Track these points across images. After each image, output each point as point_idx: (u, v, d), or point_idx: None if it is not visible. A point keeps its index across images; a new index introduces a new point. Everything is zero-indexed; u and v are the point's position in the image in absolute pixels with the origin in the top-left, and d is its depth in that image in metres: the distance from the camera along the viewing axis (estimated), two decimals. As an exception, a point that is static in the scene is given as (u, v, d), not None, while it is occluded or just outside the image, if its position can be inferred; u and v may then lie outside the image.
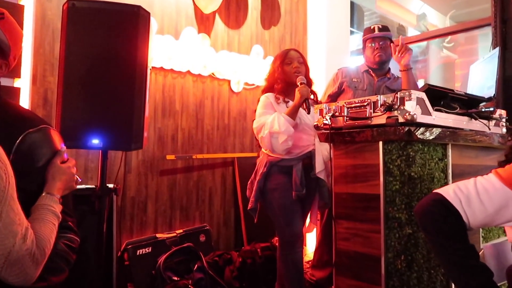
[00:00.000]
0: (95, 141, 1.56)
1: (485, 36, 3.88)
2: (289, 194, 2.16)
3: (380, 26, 2.69)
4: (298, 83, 2.15)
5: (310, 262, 3.01)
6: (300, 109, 2.19)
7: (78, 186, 2.32)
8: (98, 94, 1.55)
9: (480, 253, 1.34)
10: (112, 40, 1.53)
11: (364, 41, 2.73)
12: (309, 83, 2.31)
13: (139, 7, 1.58)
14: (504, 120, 2.03)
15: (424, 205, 1.07)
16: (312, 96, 2.32)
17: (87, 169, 2.51)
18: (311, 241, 3.51)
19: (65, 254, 1.03)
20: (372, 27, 2.70)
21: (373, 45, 2.65)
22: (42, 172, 1.03)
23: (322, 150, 2.18)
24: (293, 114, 2.12)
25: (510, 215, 0.99)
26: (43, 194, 1.01)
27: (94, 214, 1.95)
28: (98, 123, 1.56)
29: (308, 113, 2.12)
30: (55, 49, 2.33)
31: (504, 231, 2.04)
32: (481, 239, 1.85)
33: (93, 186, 2.09)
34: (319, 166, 2.15)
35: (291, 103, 2.20)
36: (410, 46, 2.65)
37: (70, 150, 2.04)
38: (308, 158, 2.21)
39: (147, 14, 1.61)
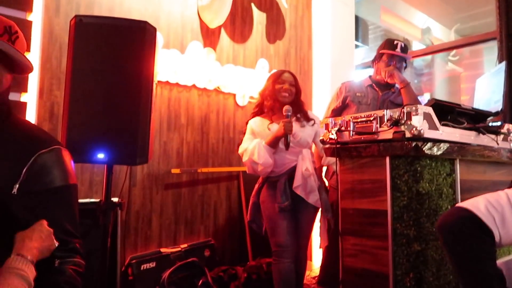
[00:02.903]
0: (101, 156, 1.56)
1: (490, 50, 3.87)
2: (273, 206, 2.27)
3: (403, 45, 2.61)
4: (284, 113, 2.21)
5: (316, 278, 2.96)
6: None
7: (83, 200, 2.32)
8: (104, 109, 1.55)
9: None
10: (119, 55, 1.53)
11: (381, 54, 2.65)
12: (298, 104, 2.38)
13: (145, 22, 1.59)
14: (512, 134, 2.01)
15: (451, 221, 0.96)
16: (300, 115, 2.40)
17: (92, 183, 2.51)
18: (317, 257, 3.47)
19: (72, 280, 1.02)
20: (395, 43, 2.61)
21: (389, 61, 2.59)
22: (53, 194, 1.02)
23: (302, 166, 2.26)
24: (273, 144, 2.22)
25: None
26: (12, 256, 0.87)
27: (98, 228, 1.94)
28: (104, 137, 1.56)
29: (287, 149, 2.19)
30: (62, 64, 2.35)
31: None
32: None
33: (98, 200, 2.09)
34: (296, 181, 2.24)
35: (275, 126, 2.27)
36: (415, 59, 2.64)
37: (76, 165, 2.05)
38: (293, 172, 2.28)
39: (153, 29, 1.62)
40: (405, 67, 2.67)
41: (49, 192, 1.01)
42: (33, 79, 2.26)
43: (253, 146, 2.24)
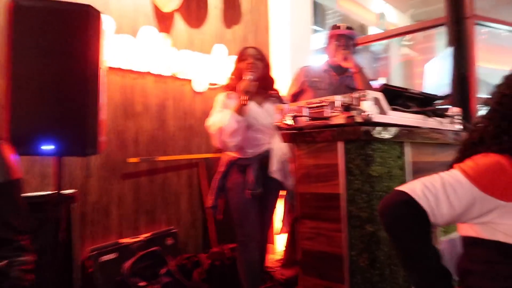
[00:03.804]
0: (48, 147, 1.49)
1: (442, 34, 4.02)
2: (244, 194, 2.18)
3: (347, 26, 2.71)
4: (244, 77, 2.15)
5: (280, 261, 3.03)
6: (258, 109, 2.21)
7: (34, 193, 2.22)
8: (49, 97, 1.48)
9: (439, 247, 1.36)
10: (62, 41, 1.46)
11: (329, 38, 2.73)
12: (267, 80, 2.32)
13: (88, 6, 1.51)
14: (457, 117, 2.11)
15: (390, 205, 1.00)
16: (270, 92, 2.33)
17: (43, 175, 2.40)
18: (280, 240, 3.53)
19: (20, 281, 0.98)
20: (338, 25, 2.72)
21: (337, 42, 2.67)
22: None
23: (279, 149, 2.20)
24: (238, 109, 2.11)
25: (474, 214, 0.96)
26: None
27: (51, 222, 1.87)
28: (51, 127, 1.49)
29: (245, 105, 2.09)
30: (1, 50, 2.20)
31: (455, 227, 2.13)
32: (441, 233, 1.92)
33: (48, 193, 2.01)
34: (274, 165, 2.18)
35: (252, 103, 2.19)
36: (373, 44, 2.71)
37: (25, 157, 1.95)
38: (266, 158, 2.23)
39: (97, 13, 1.55)
40: (355, 45, 2.73)
41: None
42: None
43: (220, 115, 2.16)
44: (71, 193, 1.87)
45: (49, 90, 1.46)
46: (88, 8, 1.49)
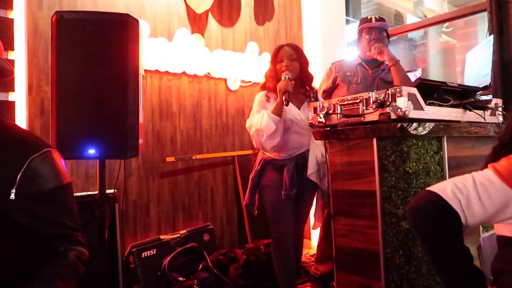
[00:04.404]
0: (91, 151, 1.57)
1: (484, 19, 3.83)
2: (279, 192, 2.18)
3: (377, 17, 2.64)
4: (282, 78, 2.13)
5: (314, 256, 3.03)
6: (296, 111, 2.20)
7: (80, 193, 2.35)
8: (91, 104, 1.56)
9: (480, 244, 1.32)
10: (102, 50, 1.53)
11: (360, 32, 2.68)
12: (304, 78, 2.29)
13: (127, 15, 1.58)
14: (500, 109, 2.02)
15: (418, 205, 0.98)
16: (301, 91, 2.30)
17: (88, 176, 2.54)
18: (315, 236, 3.53)
19: (75, 266, 1.06)
20: (369, 17, 2.65)
21: (369, 36, 2.61)
22: (49, 195, 1.05)
23: (317, 152, 2.17)
24: (276, 110, 2.09)
25: (508, 215, 0.94)
26: None
27: (95, 220, 1.98)
28: (93, 132, 1.57)
29: (286, 105, 2.05)
30: (49, 58, 2.33)
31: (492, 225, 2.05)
32: (481, 229, 1.86)
33: (93, 193, 2.11)
34: (311, 168, 2.17)
35: (291, 105, 2.16)
36: (410, 34, 2.62)
37: (69, 160, 2.07)
38: (302, 158, 2.22)
39: (136, 21, 1.61)
40: (388, 37, 2.67)
41: (45, 194, 1.05)
42: (21, 77, 2.25)
43: (258, 116, 2.13)
44: (113, 193, 1.96)
45: (91, 97, 1.54)
46: (127, 18, 1.55)
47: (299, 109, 2.25)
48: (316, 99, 2.31)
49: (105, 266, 1.95)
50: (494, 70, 2.40)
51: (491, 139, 2.00)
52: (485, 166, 1.01)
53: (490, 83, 2.27)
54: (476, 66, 2.59)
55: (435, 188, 0.99)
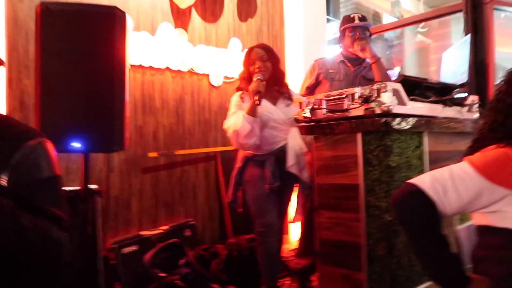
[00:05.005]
0: (77, 145, 1.55)
1: (458, 20, 3.96)
2: (262, 186, 2.22)
3: (360, 16, 2.68)
4: (254, 79, 2.17)
5: (294, 251, 3.07)
6: (272, 107, 2.25)
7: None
8: (78, 97, 1.54)
9: (457, 235, 1.38)
10: (89, 42, 1.51)
11: (343, 30, 2.71)
12: (277, 76, 2.33)
13: (114, 7, 1.56)
14: (476, 105, 2.11)
15: (400, 196, 1.05)
16: (278, 89, 2.34)
17: (68, 171, 2.48)
18: (295, 230, 3.58)
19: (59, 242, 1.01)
20: (352, 16, 2.69)
21: (353, 34, 2.65)
22: (43, 184, 1.03)
23: (295, 144, 2.23)
24: (250, 111, 2.14)
25: (483, 203, 1.01)
26: None
27: (78, 216, 1.94)
28: (79, 126, 1.55)
29: (259, 104, 2.11)
30: (30, 51, 2.28)
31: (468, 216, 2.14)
32: (458, 221, 1.93)
33: (76, 188, 2.08)
34: (290, 160, 2.21)
35: (265, 102, 2.22)
36: (385, 33, 2.69)
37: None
38: (282, 152, 2.26)
39: (123, 14, 1.59)
40: (370, 35, 2.72)
41: (39, 183, 1.02)
42: (0, 69, 2.19)
43: (234, 118, 2.20)
44: (97, 188, 1.94)
45: (77, 89, 1.51)
46: (114, 10, 1.53)
47: (275, 105, 2.30)
48: (290, 95, 2.36)
49: (86, 263, 1.92)
50: (470, 69, 2.48)
51: (468, 135, 2.08)
52: (462, 160, 1.08)
53: (467, 81, 2.34)
54: (453, 65, 2.67)
55: (415, 180, 1.06)
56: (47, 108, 1.51)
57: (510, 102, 1.05)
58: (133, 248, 2.65)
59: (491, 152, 1.02)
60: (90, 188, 1.81)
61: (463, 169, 1.03)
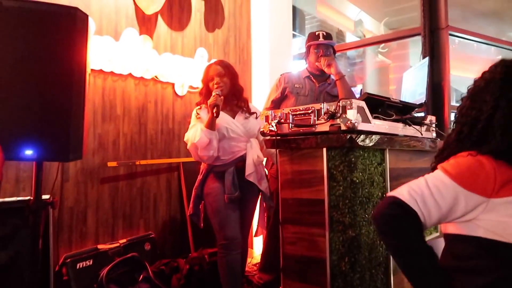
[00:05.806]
0: (29, 152, 1.45)
1: (415, 43, 4.15)
2: (222, 198, 2.24)
3: (325, 33, 2.75)
4: (213, 94, 2.21)
5: (257, 265, 3.04)
6: (230, 119, 2.29)
7: (9, 199, 2.16)
8: (32, 102, 1.44)
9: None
10: (47, 44, 1.42)
11: (308, 47, 2.78)
12: (236, 90, 2.37)
13: (76, 8, 1.49)
14: (433, 125, 2.19)
15: (381, 209, 1.05)
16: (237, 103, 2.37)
17: (18, 180, 2.33)
18: (258, 244, 3.54)
19: None
20: (317, 33, 2.75)
21: (317, 51, 2.72)
22: None
23: (253, 154, 2.27)
24: (208, 124, 2.18)
25: (461, 211, 1.01)
26: None
27: (27, 228, 1.82)
28: (32, 132, 1.45)
29: (217, 117, 2.16)
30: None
31: (435, 228, 2.21)
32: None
33: (27, 198, 1.95)
34: (248, 169, 2.24)
35: (224, 114, 2.26)
36: (348, 52, 2.76)
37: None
38: (241, 162, 2.28)
39: (85, 16, 1.53)
40: (334, 53, 2.79)
41: None
42: None
43: (194, 130, 2.23)
44: (50, 198, 1.82)
45: (32, 94, 1.42)
46: (76, 11, 1.46)
47: (233, 118, 2.33)
48: (248, 108, 2.39)
49: (37, 278, 1.80)
50: (427, 90, 2.60)
51: (426, 153, 2.17)
52: (434, 168, 1.09)
53: (425, 101, 2.45)
54: (412, 85, 2.79)
55: (393, 192, 1.06)
56: (-2, 112, 1.41)
57: (474, 116, 1.08)
58: (88, 262, 2.53)
59: (463, 159, 1.04)
60: (42, 199, 1.69)
61: (438, 178, 1.04)
